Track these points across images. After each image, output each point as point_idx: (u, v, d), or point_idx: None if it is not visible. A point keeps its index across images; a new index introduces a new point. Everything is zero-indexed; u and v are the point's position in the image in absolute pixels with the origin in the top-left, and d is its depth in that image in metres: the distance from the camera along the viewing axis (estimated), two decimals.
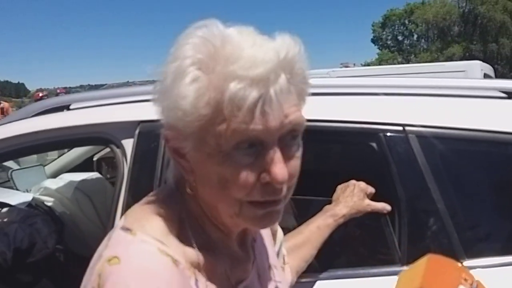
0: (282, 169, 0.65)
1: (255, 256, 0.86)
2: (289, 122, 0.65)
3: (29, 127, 1.60)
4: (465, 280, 0.79)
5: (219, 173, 0.66)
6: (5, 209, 2.37)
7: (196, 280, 0.69)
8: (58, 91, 8.15)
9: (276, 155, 0.65)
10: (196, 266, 0.70)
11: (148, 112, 1.48)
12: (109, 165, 3.30)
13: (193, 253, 0.71)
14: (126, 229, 0.69)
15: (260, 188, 0.66)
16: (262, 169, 0.65)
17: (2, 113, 10.11)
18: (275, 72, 0.63)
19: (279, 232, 1.06)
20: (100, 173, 3.09)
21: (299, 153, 0.70)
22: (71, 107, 1.70)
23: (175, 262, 0.66)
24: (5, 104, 10.58)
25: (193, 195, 0.74)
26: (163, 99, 0.67)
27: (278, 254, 1.03)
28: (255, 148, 0.65)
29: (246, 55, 0.63)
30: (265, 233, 0.95)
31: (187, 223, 0.73)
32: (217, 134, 0.64)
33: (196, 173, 0.70)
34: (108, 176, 3.08)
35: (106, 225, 2.65)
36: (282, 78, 0.64)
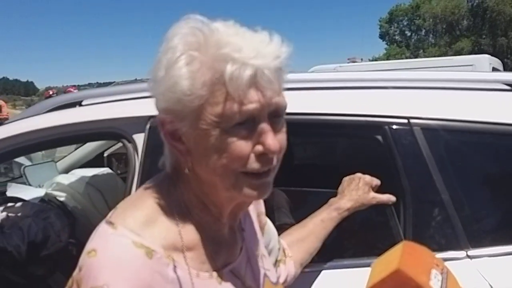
0: (274, 140, 0.73)
1: (244, 242, 0.91)
2: (275, 102, 0.73)
3: (43, 122, 1.63)
4: (437, 265, 0.85)
5: (217, 146, 0.72)
6: (18, 204, 2.40)
7: (175, 267, 0.74)
8: (73, 89, 8.14)
9: (268, 128, 0.73)
10: (179, 250, 0.76)
11: None
12: (119, 161, 3.33)
13: (177, 239, 0.76)
14: (109, 222, 0.75)
15: (254, 159, 0.73)
16: (256, 141, 0.73)
17: None
18: (263, 56, 0.70)
19: (270, 225, 1.09)
20: (111, 168, 3.12)
21: (284, 129, 0.78)
22: (83, 103, 1.74)
23: (151, 252, 0.71)
24: (1, 102, 10.61)
25: (190, 177, 0.79)
26: (159, 86, 0.73)
27: (268, 246, 1.06)
28: (248, 124, 0.72)
29: (233, 41, 0.70)
30: (255, 224, 1.00)
31: (175, 211, 0.78)
32: (216, 113, 0.71)
33: (193, 152, 0.76)
34: (119, 171, 3.10)
35: None
36: (270, 62, 0.71)
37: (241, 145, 0.72)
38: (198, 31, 0.73)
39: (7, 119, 9.49)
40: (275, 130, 0.75)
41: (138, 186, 1.45)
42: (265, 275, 0.93)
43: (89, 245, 0.72)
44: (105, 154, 3.34)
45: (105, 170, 2.96)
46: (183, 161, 0.78)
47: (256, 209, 1.04)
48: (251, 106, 0.70)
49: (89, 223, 2.58)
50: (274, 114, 0.74)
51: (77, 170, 2.97)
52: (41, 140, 1.63)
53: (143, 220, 0.74)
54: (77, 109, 1.71)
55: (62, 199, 2.60)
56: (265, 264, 0.96)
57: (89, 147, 3.21)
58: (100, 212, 2.64)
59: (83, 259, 0.71)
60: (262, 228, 1.05)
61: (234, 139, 0.72)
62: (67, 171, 3.06)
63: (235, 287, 0.83)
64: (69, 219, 2.46)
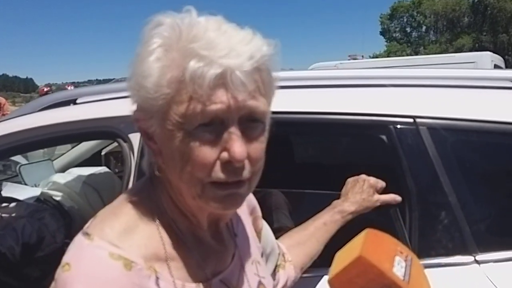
0: (241, 147, 0.66)
1: (237, 250, 0.86)
2: (248, 106, 0.66)
3: (37, 121, 1.59)
4: (401, 252, 0.83)
5: (182, 150, 0.67)
6: (13, 204, 2.37)
7: (157, 278, 0.69)
8: (68, 86, 8.18)
9: (236, 133, 0.67)
10: (162, 260, 0.71)
11: None
12: (117, 160, 3.31)
13: (159, 248, 0.72)
14: (85, 233, 0.70)
15: (220, 167, 0.67)
16: (222, 148, 0.67)
17: None
18: (237, 56, 0.65)
19: (266, 230, 1.05)
20: (108, 167, 3.10)
21: (263, 138, 0.71)
22: (77, 101, 1.71)
23: (129, 264, 0.66)
24: (1, 99, 10.58)
25: (163, 180, 0.75)
26: (131, 80, 0.70)
27: (266, 251, 1.02)
28: (215, 127, 0.66)
29: (208, 37, 0.65)
30: (248, 229, 0.95)
31: (156, 216, 0.74)
32: (180, 113, 0.66)
33: (163, 153, 0.72)
34: (116, 170, 3.08)
35: None
36: (243, 63, 0.65)
37: (205, 151, 0.66)
38: (176, 25, 0.68)
39: None
40: (249, 137, 0.69)
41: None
42: (260, 283, 0.89)
43: (64, 258, 0.68)
44: (103, 153, 3.31)
45: (103, 169, 2.94)
46: (155, 161, 0.74)
47: (251, 213, 0.99)
48: (214, 107, 0.65)
49: (86, 223, 2.55)
50: (248, 118, 0.68)
51: (74, 169, 2.94)
52: (34, 139, 1.59)
53: (121, 229, 0.70)
54: (72, 107, 1.67)
55: (58, 198, 2.58)
56: (260, 271, 0.91)
57: (86, 146, 3.18)
58: (97, 212, 2.61)
59: (58, 273, 0.67)
60: (258, 233, 1.00)
61: (197, 143, 0.66)
62: (63, 170, 3.03)
63: None
64: (65, 219, 2.43)
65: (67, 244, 2.17)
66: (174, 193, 0.75)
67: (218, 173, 0.67)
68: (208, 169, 0.67)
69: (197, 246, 0.77)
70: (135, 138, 1.47)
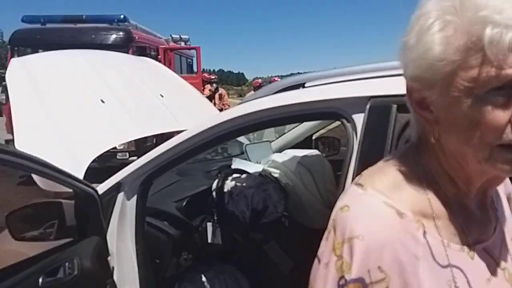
0: None
1: (498, 223, 0.85)
2: None
3: (272, 103, 1.80)
4: None
5: (469, 115, 0.67)
6: (243, 175, 2.73)
7: (425, 232, 0.73)
8: (277, 78, 8.85)
9: None
10: (429, 218, 0.74)
11: (379, 87, 1.52)
12: (325, 145, 3.47)
13: (425, 206, 0.75)
14: (358, 184, 0.78)
15: (511, 129, 0.66)
16: None
17: (220, 99, 11.39)
18: None
19: None
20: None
21: None
22: (306, 85, 1.86)
23: (400, 214, 0.72)
24: (222, 91, 11.83)
25: (434, 147, 0.77)
26: (410, 53, 0.72)
27: None
28: (507, 89, 0.65)
29: (493, 3, 0.65)
30: (506, 206, 0.92)
31: (422, 178, 0.77)
32: (469, 78, 0.66)
33: (441, 121, 0.73)
34: (324, 155, 3.23)
35: (324, 199, 2.82)
36: None
37: (497, 114, 0.65)
38: None
39: (229, 106, 10.72)
40: None
41: (356, 164, 1.49)
42: None
43: (341, 203, 0.77)
44: (314, 137, 3.52)
45: (314, 151, 3.13)
46: (430, 130, 0.77)
47: (506, 191, 0.96)
48: (510, 71, 0.63)
49: (299, 199, 2.77)
50: None
51: (289, 150, 3.20)
52: (270, 118, 1.80)
53: (390, 184, 0.76)
54: (301, 90, 1.84)
55: (276, 175, 2.86)
56: None
57: (300, 130, 3.43)
58: (308, 190, 2.81)
59: (336, 213, 0.76)
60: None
61: (488, 107, 0.66)
62: (279, 151, 3.33)
63: (489, 266, 0.78)
64: (283, 194, 2.70)
65: (284, 216, 2.40)
66: (447, 159, 0.77)
67: (510, 135, 0.67)
68: (500, 131, 0.67)
69: (461, 212, 0.78)
70: (359, 118, 1.53)
